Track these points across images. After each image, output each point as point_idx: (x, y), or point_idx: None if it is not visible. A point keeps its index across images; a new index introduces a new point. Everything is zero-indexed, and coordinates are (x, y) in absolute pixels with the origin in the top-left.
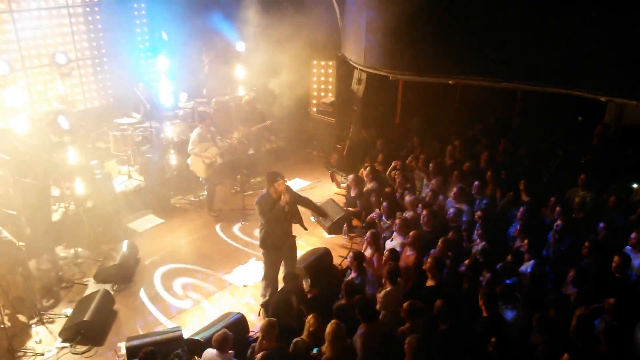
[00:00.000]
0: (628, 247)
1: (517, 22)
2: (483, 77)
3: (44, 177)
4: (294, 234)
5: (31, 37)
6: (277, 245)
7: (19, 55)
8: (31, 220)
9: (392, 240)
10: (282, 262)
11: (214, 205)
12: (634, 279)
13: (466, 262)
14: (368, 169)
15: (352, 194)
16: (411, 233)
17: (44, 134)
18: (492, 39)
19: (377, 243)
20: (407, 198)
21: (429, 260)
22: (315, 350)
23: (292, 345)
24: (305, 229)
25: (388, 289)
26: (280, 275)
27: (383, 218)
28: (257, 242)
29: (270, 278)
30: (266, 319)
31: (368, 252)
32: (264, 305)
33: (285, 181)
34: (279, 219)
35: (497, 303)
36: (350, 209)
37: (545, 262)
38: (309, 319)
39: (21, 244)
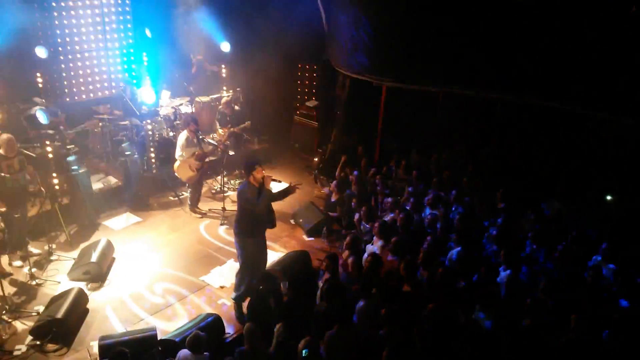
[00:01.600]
0: (598, 258)
1: (495, 33)
2: (462, 87)
3: (20, 172)
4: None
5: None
6: (261, 232)
7: None
8: (6, 215)
9: (372, 245)
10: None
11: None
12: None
13: (439, 270)
14: (355, 174)
15: (333, 198)
16: (393, 239)
17: (21, 128)
18: (472, 50)
19: (356, 247)
20: (386, 200)
21: (401, 265)
22: (305, 353)
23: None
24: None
25: (361, 304)
26: None
27: (362, 222)
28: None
29: (246, 269)
30: (245, 325)
31: (345, 255)
32: (236, 299)
33: (263, 168)
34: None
35: (475, 310)
36: (330, 213)
37: (519, 270)
38: (278, 327)
39: None
